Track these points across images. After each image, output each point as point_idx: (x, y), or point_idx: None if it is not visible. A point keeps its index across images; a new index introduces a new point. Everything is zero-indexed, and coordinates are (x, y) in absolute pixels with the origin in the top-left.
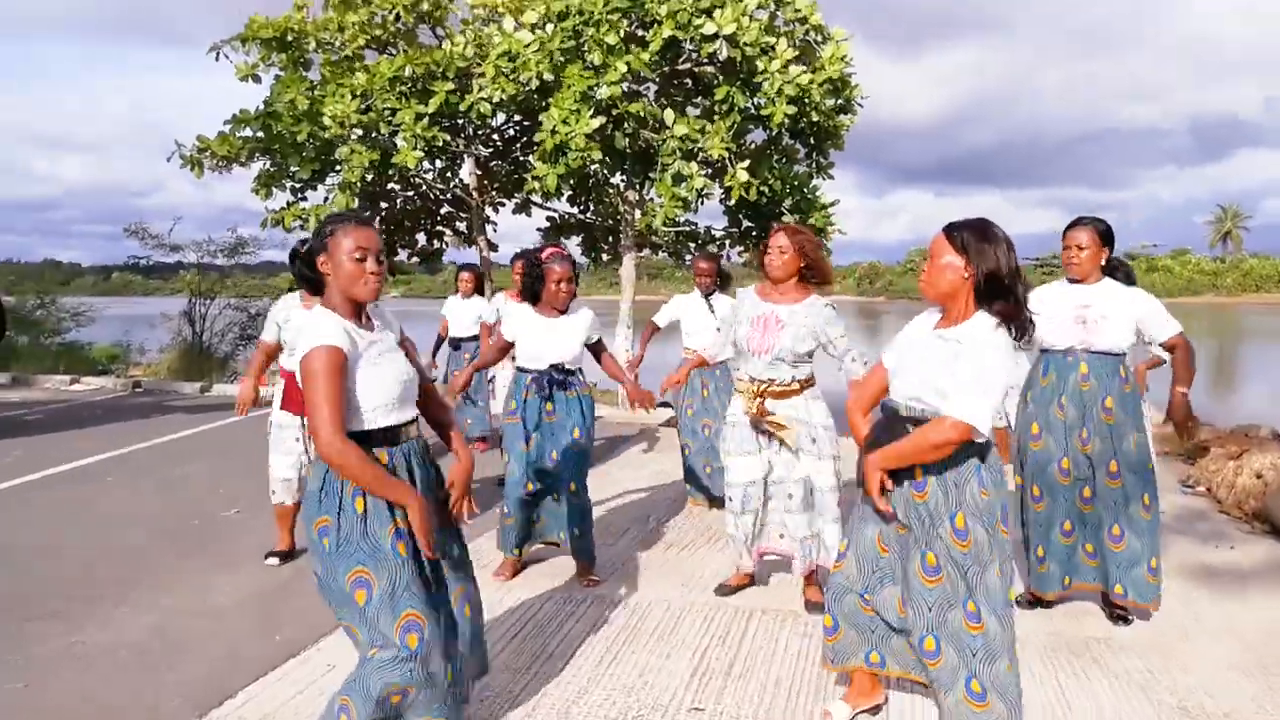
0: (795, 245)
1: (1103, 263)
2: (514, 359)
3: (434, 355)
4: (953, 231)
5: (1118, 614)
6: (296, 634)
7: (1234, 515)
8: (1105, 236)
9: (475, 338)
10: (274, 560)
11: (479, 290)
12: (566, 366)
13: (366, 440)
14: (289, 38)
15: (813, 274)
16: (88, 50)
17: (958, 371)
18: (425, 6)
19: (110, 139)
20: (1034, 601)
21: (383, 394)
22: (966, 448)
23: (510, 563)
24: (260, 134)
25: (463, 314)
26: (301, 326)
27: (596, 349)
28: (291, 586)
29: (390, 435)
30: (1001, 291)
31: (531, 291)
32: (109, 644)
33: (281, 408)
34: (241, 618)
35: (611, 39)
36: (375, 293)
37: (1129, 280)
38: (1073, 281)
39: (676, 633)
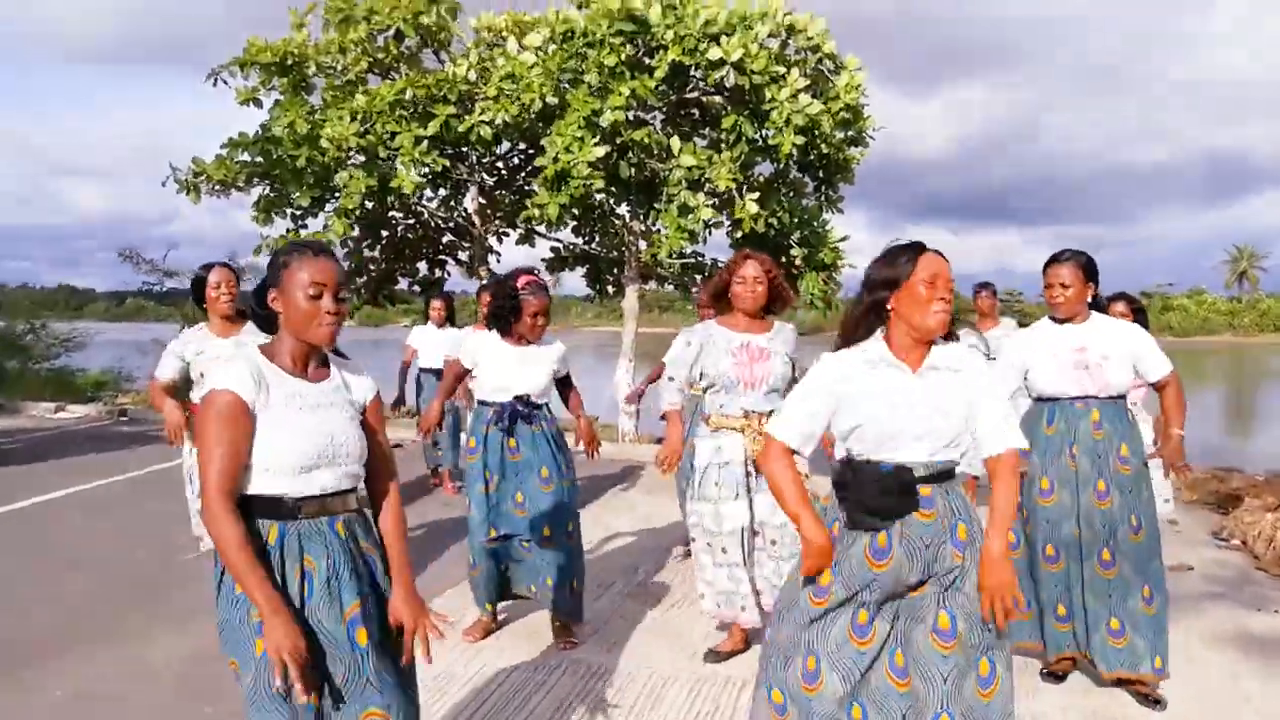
0: (768, 276)
1: (1089, 299)
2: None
3: (401, 384)
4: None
5: (1152, 699)
6: (230, 706)
7: (1274, 573)
8: (1089, 270)
9: None
10: None
11: (450, 319)
12: (533, 399)
13: (249, 506)
14: (289, 61)
15: (778, 304)
16: (99, 77)
17: (985, 403)
18: (426, 22)
19: (126, 166)
20: (1062, 673)
21: (281, 453)
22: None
23: (482, 623)
24: (259, 159)
25: (436, 344)
26: (218, 359)
27: (564, 384)
28: None
29: (279, 507)
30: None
31: (502, 320)
32: (20, 714)
33: None
34: (172, 683)
35: (610, 60)
36: (331, 336)
37: (1142, 321)
38: (1057, 321)
39: (658, 708)
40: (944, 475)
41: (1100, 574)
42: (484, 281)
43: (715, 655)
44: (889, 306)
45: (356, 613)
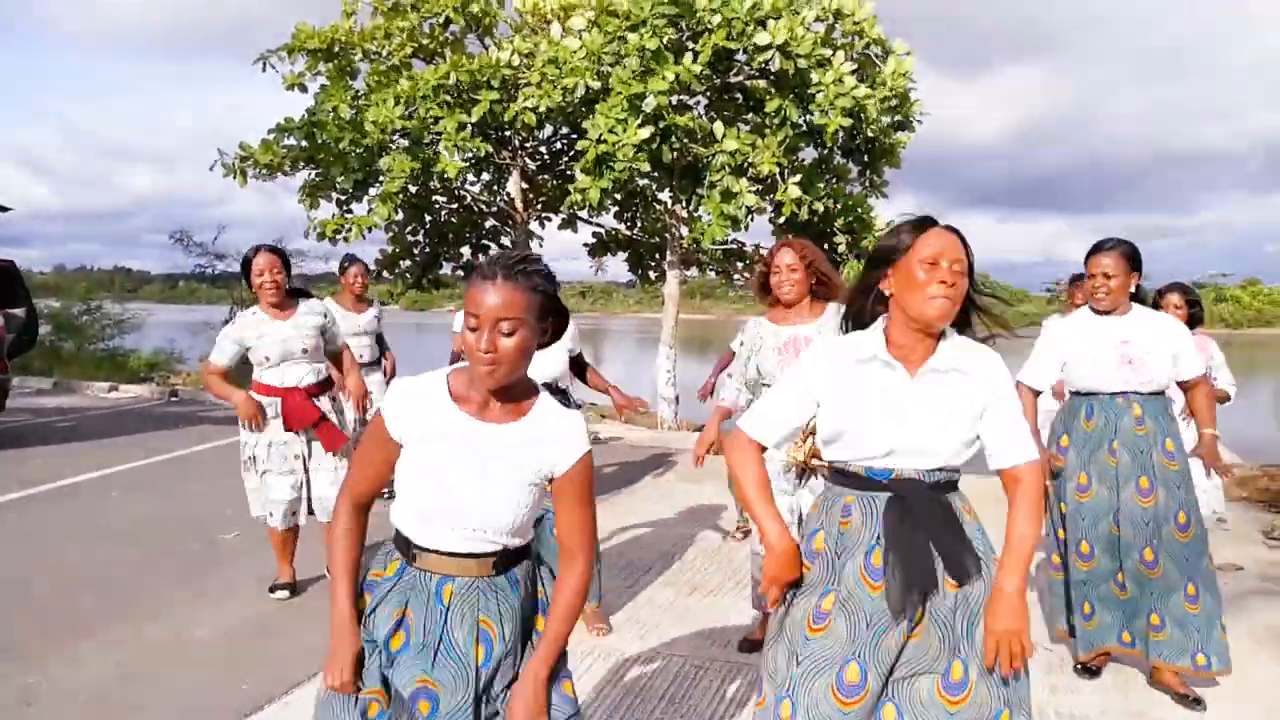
0: (804, 262)
1: (1132, 289)
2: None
3: None
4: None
5: (1191, 699)
6: (267, 681)
7: None
8: (1134, 260)
9: None
10: (283, 593)
11: None
12: (558, 385)
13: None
14: (335, 48)
15: (824, 289)
16: (157, 65)
17: (997, 413)
18: (474, 9)
19: (180, 151)
20: (1096, 668)
21: (403, 493)
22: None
23: None
24: (304, 143)
25: None
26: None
27: (578, 363)
28: (272, 624)
29: (403, 545)
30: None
31: None
32: (67, 687)
33: (286, 428)
34: (214, 658)
35: (652, 44)
36: (489, 378)
37: (1196, 319)
38: (1099, 313)
39: (690, 697)
40: (940, 490)
41: (1142, 572)
42: None
43: (750, 644)
44: (885, 290)
45: (426, 685)
